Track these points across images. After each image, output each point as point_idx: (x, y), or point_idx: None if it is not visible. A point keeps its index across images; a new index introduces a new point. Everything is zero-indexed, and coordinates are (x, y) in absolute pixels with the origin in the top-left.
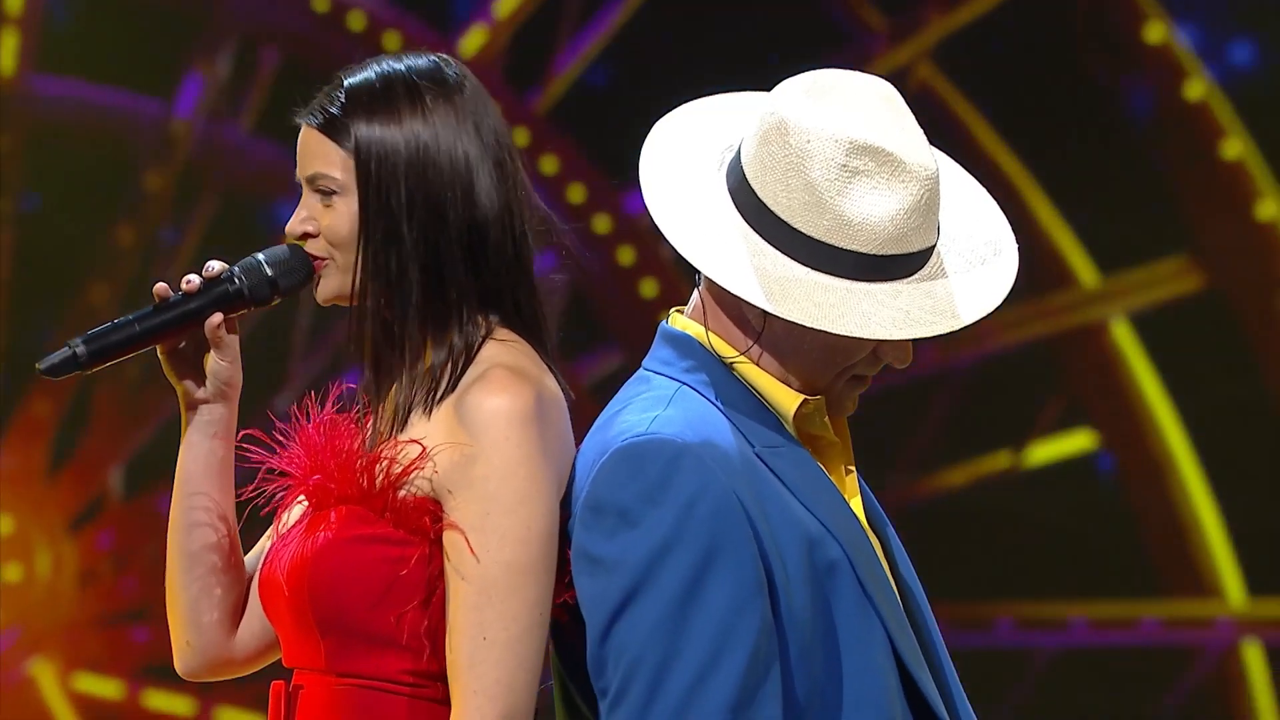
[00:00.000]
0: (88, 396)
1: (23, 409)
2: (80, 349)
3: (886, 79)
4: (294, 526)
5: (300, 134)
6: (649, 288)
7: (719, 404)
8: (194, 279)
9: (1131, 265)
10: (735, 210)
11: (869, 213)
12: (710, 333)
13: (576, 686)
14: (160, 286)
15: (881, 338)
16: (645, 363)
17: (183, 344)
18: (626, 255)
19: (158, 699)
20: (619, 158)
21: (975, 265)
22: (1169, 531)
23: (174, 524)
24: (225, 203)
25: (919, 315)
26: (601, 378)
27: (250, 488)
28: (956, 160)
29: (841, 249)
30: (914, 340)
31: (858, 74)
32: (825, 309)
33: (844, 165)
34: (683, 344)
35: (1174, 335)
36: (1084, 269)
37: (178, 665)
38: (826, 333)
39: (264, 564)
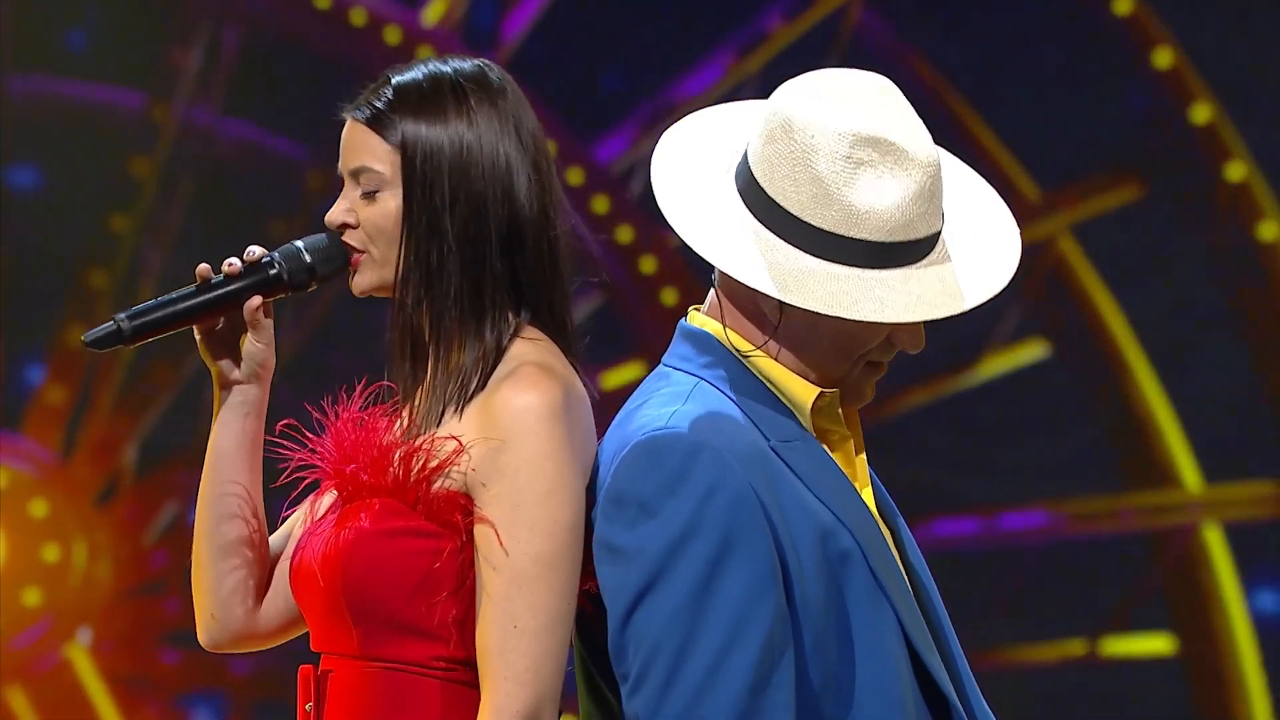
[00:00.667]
0: (93, 381)
1: (37, 396)
2: (125, 323)
3: (825, 20)
4: (324, 517)
5: (345, 128)
6: (625, 234)
7: (735, 398)
8: (235, 262)
9: (1071, 179)
10: (746, 209)
11: (875, 202)
12: (728, 329)
13: (599, 672)
14: (203, 267)
15: (895, 321)
16: (665, 359)
17: (220, 325)
18: (601, 204)
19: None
20: (583, 112)
21: (980, 248)
22: (1126, 428)
23: (203, 500)
24: (207, 185)
25: (930, 298)
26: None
27: (284, 478)
28: (901, 92)
29: (851, 238)
30: (925, 323)
31: (856, 70)
32: (839, 297)
33: (848, 157)
34: (701, 340)
35: (1117, 242)
36: (1027, 187)
37: (201, 637)
38: (842, 321)
39: (295, 553)
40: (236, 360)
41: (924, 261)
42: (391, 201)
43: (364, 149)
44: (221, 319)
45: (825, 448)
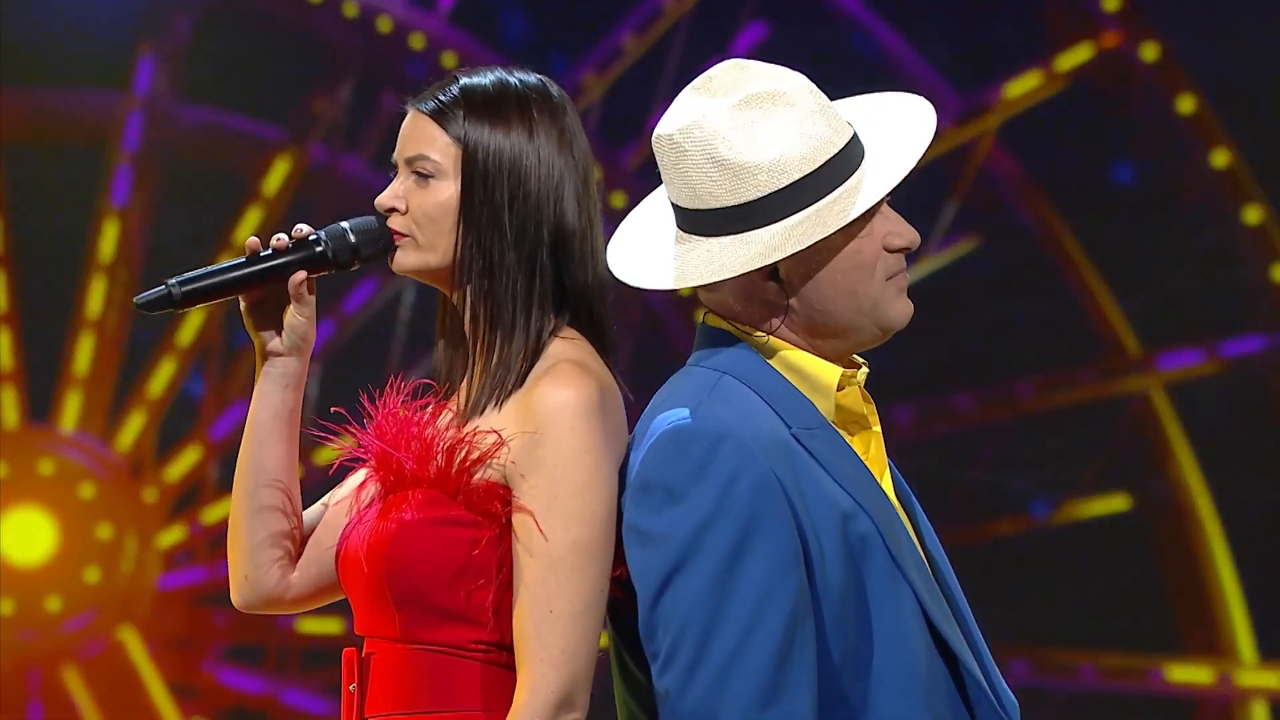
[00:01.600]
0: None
1: (72, 386)
2: (175, 288)
3: None
4: (369, 507)
5: (407, 119)
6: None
7: (757, 391)
8: (284, 238)
9: (996, 82)
10: (700, 236)
11: (783, 144)
12: (741, 325)
13: (630, 654)
14: (252, 241)
15: (867, 208)
16: (690, 359)
17: (264, 297)
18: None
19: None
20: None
21: (891, 112)
22: (1065, 306)
23: (242, 468)
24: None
25: (889, 168)
26: None
27: (332, 469)
28: (825, 28)
29: (789, 185)
30: (904, 214)
31: (703, 74)
32: (813, 229)
33: (736, 128)
34: (721, 339)
35: (1040, 140)
36: (948, 95)
37: (234, 597)
38: (837, 260)
39: (340, 541)
40: (279, 332)
41: (863, 162)
42: (445, 191)
43: (424, 138)
44: (266, 291)
45: (845, 436)
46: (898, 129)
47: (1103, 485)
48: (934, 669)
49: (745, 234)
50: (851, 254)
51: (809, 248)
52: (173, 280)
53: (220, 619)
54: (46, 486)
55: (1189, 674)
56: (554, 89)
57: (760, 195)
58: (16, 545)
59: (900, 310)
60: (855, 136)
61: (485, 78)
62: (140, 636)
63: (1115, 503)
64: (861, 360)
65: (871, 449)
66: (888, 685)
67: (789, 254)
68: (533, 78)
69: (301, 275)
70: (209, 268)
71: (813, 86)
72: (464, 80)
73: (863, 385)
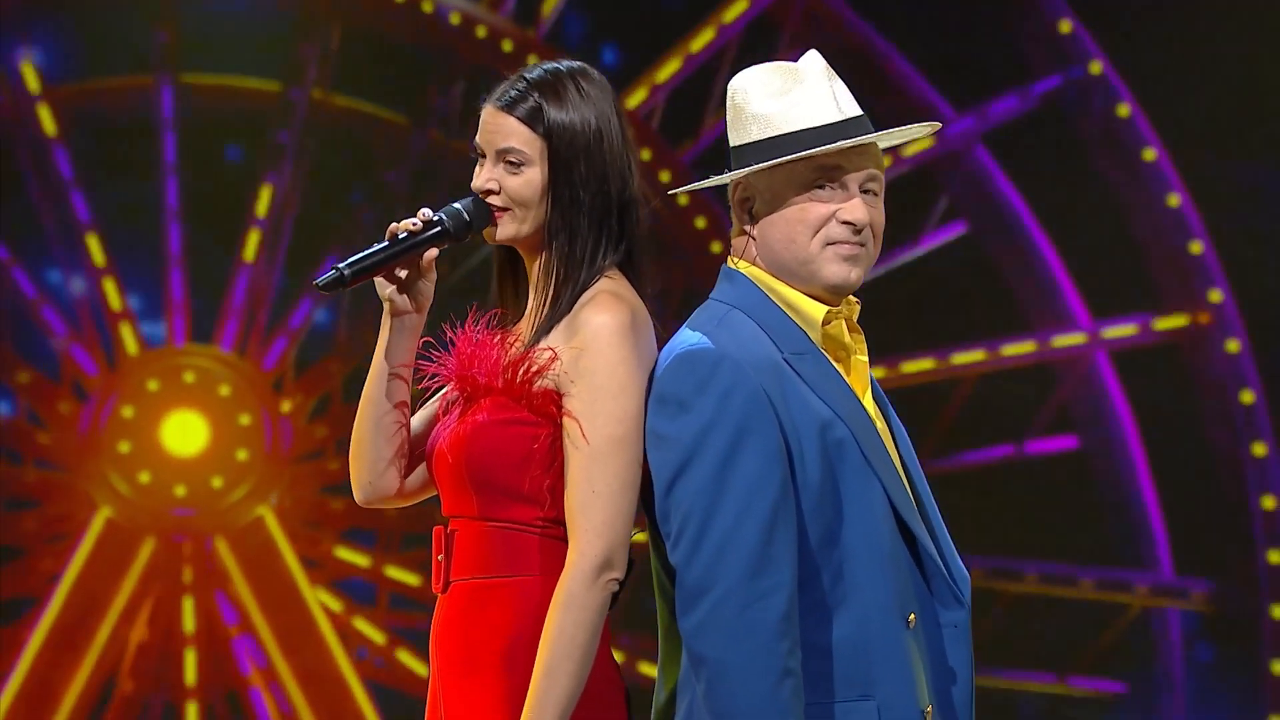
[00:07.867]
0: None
1: (221, 319)
2: (346, 271)
3: None
4: (451, 413)
5: (488, 114)
6: (682, 199)
7: (758, 322)
8: (417, 222)
9: (984, 99)
10: (731, 170)
11: (799, 99)
12: (738, 259)
13: (659, 535)
14: (394, 226)
15: (792, 157)
16: (711, 293)
17: (399, 269)
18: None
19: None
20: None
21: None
22: (1032, 285)
23: (369, 399)
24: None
25: (836, 141)
26: None
27: (423, 384)
28: (848, 56)
29: (767, 139)
30: (866, 200)
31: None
32: (770, 154)
33: (767, 89)
34: (734, 278)
35: (1025, 150)
36: (943, 106)
37: (356, 495)
38: (787, 205)
39: (432, 442)
40: (406, 294)
41: (842, 142)
42: (533, 175)
43: (512, 134)
44: (404, 265)
45: (832, 359)
46: (885, 134)
47: (1056, 429)
48: (896, 548)
49: (751, 165)
50: (799, 210)
51: (776, 195)
52: (342, 264)
53: (339, 506)
54: (203, 394)
55: (1115, 583)
56: (594, 71)
57: (747, 141)
58: (176, 440)
59: (831, 273)
60: (851, 122)
61: (548, 73)
62: (277, 518)
63: (1064, 443)
64: (855, 299)
65: (854, 372)
66: (857, 559)
67: (732, 178)
68: (577, 64)
69: (435, 251)
70: (364, 252)
71: (836, 80)
72: (530, 77)
73: (853, 320)
